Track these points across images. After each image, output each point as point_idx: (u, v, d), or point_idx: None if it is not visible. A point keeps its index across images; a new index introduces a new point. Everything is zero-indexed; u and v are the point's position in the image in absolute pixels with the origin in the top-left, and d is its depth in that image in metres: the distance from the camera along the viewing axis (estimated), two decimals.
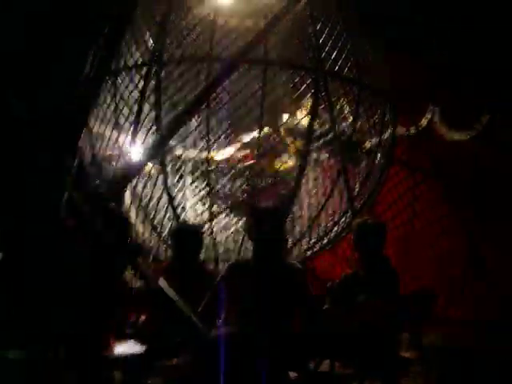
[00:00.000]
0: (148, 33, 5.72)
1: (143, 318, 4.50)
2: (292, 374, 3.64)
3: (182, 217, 5.82)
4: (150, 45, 5.69)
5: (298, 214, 5.90)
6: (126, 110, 5.71)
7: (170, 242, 5.34)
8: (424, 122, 7.17)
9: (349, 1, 6.06)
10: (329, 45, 5.62)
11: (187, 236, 4.63)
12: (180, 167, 6.12)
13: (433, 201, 7.33)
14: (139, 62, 5.70)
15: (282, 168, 5.93)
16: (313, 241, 6.08)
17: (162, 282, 3.30)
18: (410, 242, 7.27)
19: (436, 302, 4.41)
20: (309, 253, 6.18)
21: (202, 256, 5.39)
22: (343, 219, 6.02)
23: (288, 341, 3.56)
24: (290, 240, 5.86)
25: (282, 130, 5.98)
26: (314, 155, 5.80)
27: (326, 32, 5.63)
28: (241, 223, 5.94)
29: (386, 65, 6.18)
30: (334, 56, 5.61)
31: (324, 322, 3.93)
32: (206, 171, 5.75)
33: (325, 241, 6.17)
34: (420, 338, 4.69)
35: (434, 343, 4.90)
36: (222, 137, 5.92)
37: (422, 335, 4.85)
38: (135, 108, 5.64)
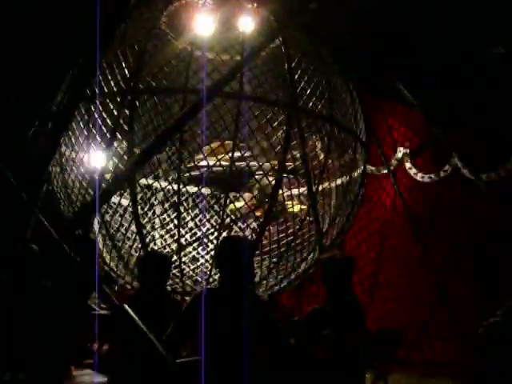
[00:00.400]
0: (124, 62, 5.73)
1: (106, 346, 4.43)
2: None
3: (150, 247, 5.78)
4: (125, 73, 5.71)
5: (266, 249, 5.89)
6: (98, 138, 5.71)
7: (136, 271, 5.29)
8: (394, 162, 7.29)
9: (325, 40, 6.19)
10: (303, 82, 5.71)
11: (154, 264, 4.59)
12: (150, 197, 6.12)
13: (402, 242, 7.40)
14: (114, 90, 5.71)
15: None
16: (280, 276, 6.07)
17: (127, 310, 3.25)
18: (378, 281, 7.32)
19: (402, 341, 4.42)
20: (276, 288, 6.16)
21: (168, 286, 5.36)
22: (311, 255, 6.03)
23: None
24: (257, 275, 5.85)
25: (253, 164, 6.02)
26: (285, 190, 5.83)
27: (300, 69, 5.73)
28: (209, 255, 5.93)
29: (359, 104, 6.30)
30: (307, 93, 5.70)
31: (290, 357, 3.90)
32: (176, 202, 5.73)
33: (292, 276, 6.16)
34: (385, 377, 4.69)
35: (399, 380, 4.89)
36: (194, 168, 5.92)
37: (387, 374, 4.85)
38: (108, 136, 5.64)
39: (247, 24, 5.83)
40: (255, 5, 5.99)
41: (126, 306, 3.10)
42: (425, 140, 7.10)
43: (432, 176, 7.11)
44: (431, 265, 6.86)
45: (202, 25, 5.77)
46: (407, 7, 6.14)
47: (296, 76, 5.70)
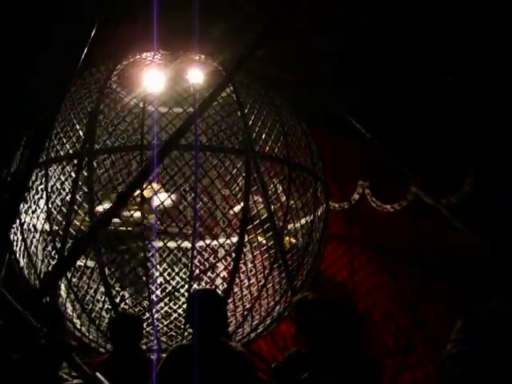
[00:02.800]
0: (78, 124, 5.74)
1: None
2: None
3: (120, 307, 5.70)
4: (80, 135, 5.70)
5: (238, 297, 5.85)
6: (58, 202, 5.66)
7: (109, 333, 5.20)
8: (356, 196, 7.37)
9: (274, 83, 6.30)
10: (257, 127, 5.77)
11: (126, 326, 4.53)
12: (116, 257, 6.04)
13: (371, 273, 7.44)
14: (70, 153, 5.69)
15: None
16: (256, 322, 6.02)
17: (100, 378, 3.18)
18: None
19: (380, 377, 4.40)
20: (252, 335, 6.10)
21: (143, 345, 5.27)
22: (284, 298, 6.01)
23: None
24: (232, 322, 5.80)
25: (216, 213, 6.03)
26: (252, 237, 5.83)
27: (253, 115, 5.80)
28: (181, 309, 5.86)
29: (314, 142, 6.38)
30: (263, 137, 5.76)
31: None
32: (144, 259, 5.68)
33: (267, 321, 6.12)
34: None
35: None
36: (157, 224, 5.89)
37: None
38: (68, 199, 5.60)
39: (197, 76, 5.92)
40: (202, 57, 6.09)
41: (98, 375, 3.03)
42: (383, 171, 7.20)
43: (395, 206, 7.21)
44: (404, 292, 6.91)
45: (153, 80, 5.84)
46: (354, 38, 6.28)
47: (250, 122, 5.76)
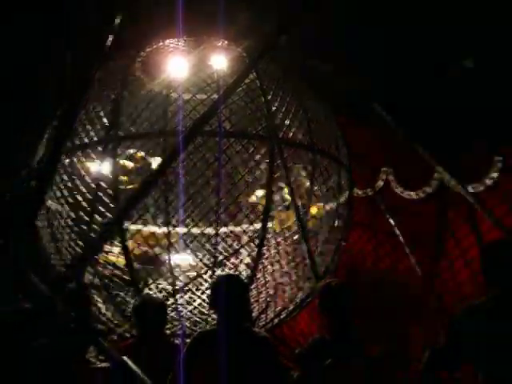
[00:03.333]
0: (102, 111, 5.77)
1: None
2: None
3: (144, 292, 5.75)
4: (105, 122, 5.74)
5: (262, 282, 5.87)
6: (83, 188, 5.72)
7: (133, 318, 5.25)
8: (380, 183, 7.32)
9: (299, 67, 6.27)
10: (281, 113, 5.76)
11: (151, 310, 4.56)
12: (140, 242, 6.09)
13: (396, 260, 7.40)
14: (95, 140, 5.74)
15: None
16: (279, 308, 6.04)
17: (127, 361, 3.22)
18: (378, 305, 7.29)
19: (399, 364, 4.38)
20: (275, 321, 6.13)
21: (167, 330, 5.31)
22: (307, 284, 6.02)
23: None
24: (255, 308, 5.83)
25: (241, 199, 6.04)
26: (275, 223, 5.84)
27: (277, 101, 5.78)
28: (205, 295, 5.89)
29: (339, 129, 6.35)
30: (286, 123, 5.74)
31: None
32: (167, 245, 5.72)
33: (291, 307, 6.13)
34: None
35: None
36: (181, 210, 5.92)
37: None
38: (93, 185, 5.65)
39: (220, 62, 5.91)
40: (226, 43, 6.08)
41: (125, 358, 3.07)
42: (408, 157, 7.14)
43: (419, 193, 7.15)
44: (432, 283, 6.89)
45: (176, 67, 5.85)
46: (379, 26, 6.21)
47: (273, 108, 5.74)
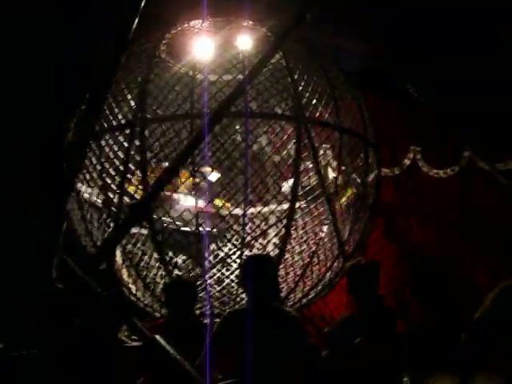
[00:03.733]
0: (129, 94, 5.80)
1: (141, 379, 4.43)
2: None
3: (174, 273, 5.81)
4: (131, 105, 5.77)
5: (290, 262, 5.89)
6: (112, 171, 5.78)
7: (164, 298, 5.31)
8: (407, 161, 7.26)
9: (325, 46, 6.22)
10: (307, 92, 5.73)
11: (180, 290, 4.61)
12: (169, 223, 6.14)
13: (425, 239, 7.35)
14: (122, 123, 5.78)
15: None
16: (307, 288, 6.06)
17: (159, 340, 3.26)
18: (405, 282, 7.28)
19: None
20: (304, 300, 6.15)
21: (197, 310, 5.37)
22: (336, 264, 6.02)
23: None
24: (284, 288, 5.85)
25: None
26: (303, 203, 5.83)
27: (303, 80, 5.75)
28: (233, 275, 5.93)
29: (365, 108, 6.29)
30: (313, 103, 5.72)
31: (323, 370, 3.88)
32: (195, 225, 5.75)
33: (319, 287, 6.15)
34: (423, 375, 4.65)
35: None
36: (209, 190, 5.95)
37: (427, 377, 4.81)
38: (121, 168, 5.70)
39: (245, 42, 5.88)
40: (251, 23, 6.04)
41: (157, 337, 3.11)
42: (436, 135, 7.06)
43: (447, 171, 7.08)
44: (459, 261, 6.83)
45: (201, 48, 5.84)
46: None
47: (300, 88, 5.72)
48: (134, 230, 5.72)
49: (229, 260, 6.11)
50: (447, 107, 6.39)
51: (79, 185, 5.90)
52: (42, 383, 3.86)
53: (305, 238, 5.86)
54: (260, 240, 6.17)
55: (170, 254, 5.96)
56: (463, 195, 7.07)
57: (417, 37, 6.32)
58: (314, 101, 5.73)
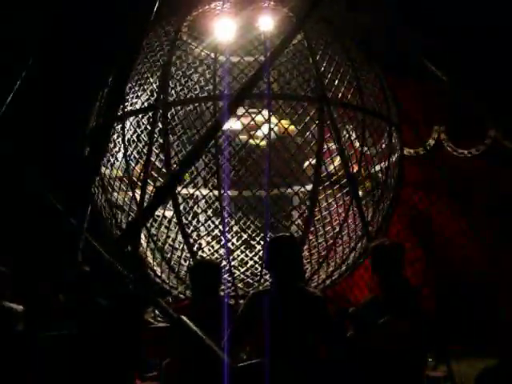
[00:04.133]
0: (151, 77, 5.81)
1: (167, 360, 4.50)
2: None
3: (198, 255, 5.85)
4: (154, 88, 5.79)
5: (314, 244, 5.89)
6: (135, 153, 5.81)
7: (188, 280, 5.36)
8: (431, 141, 7.19)
9: (347, 28, 6.16)
10: (330, 73, 5.69)
11: (205, 272, 4.65)
12: (192, 206, 6.18)
13: (449, 218, 7.30)
14: (145, 106, 5.80)
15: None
16: (331, 269, 6.06)
17: (185, 321, 3.30)
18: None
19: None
20: (328, 281, 6.16)
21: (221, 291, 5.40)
22: (359, 245, 6.01)
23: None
24: (308, 269, 5.86)
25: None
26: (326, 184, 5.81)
27: (325, 61, 5.72)
28: (257, 256, 5.96)
29: (388, 88, 6.24)
30: (335, 84, 5.68)
31: (348, 349, 3.90)
32: (218, 208, 5.77)
33: (343, 268, 6.15)
34: (447, 355, 4.65)
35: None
36: (232, 173, 5.96)
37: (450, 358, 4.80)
38: (144, 150, 5.74)
39: (267, 23, 5.85)
40: (272, 3, 6.01)
41: (184, 317, 3.15)
42: (460, 115, 6.98)
43: (472, 150, 7.00)
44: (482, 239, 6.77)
45: (223, 30, 5.82)
46: None
47: (322, 68, 5.68)
48: (158, 213, 5.75)
49: (252, 242, 6.14)
50: (471, 85, 6.30)
51: (103, 168, 5.94)
52: (68, 364, 3.94)
53: (328, 219, 5.85)
54: (284, 221, 6.18)
55: (194, 236, 5.99)
56: (489, 175, 6.99)
57: (438, 10, 6.22)
58: (337, 81, 5.69)
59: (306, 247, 5.73)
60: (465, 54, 6.38)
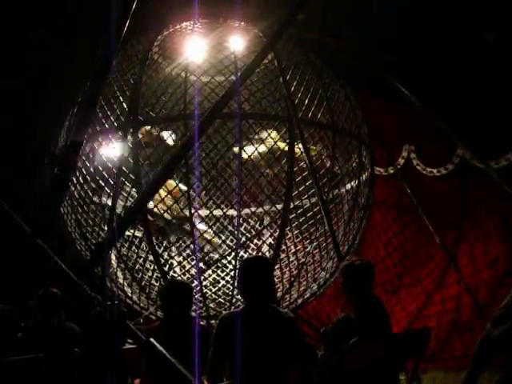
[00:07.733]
0: (121, 96, 5.79)
1: (137, 381, 4.43)
2: None
3: (169, 275, 5.80)
4: (124, 107, 5.76)
5: (285, 263, 5.89)
6: (105, 174, 5.76)
7: (159, 301, 5.30)
8: (401, 160, 7.25)
9: (317, 48, 6.22)
10: (300, 92, 5.73)
11: (176, 293, 4.60)
12: (163, 226, 6.13)
13: (421, 239, 7.32)
14: (115, 125, 5.76)
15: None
16: (302, 288, 6.06)
17: (154, 343, 3.25)
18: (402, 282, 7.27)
19: (429, 338, 4.36)
20: (299, 301, 6.15)
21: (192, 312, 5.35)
22: (330, 264, 6.03)
23: None
24: (279, 289, 5.85)
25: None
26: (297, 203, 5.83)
27: (295, 80, 5.76)
28: (229, 277, 5.93)
29: (359, 107, 6.30)
30: (306, 103, 5.72)
31: (321, 371, 3.88)
32: (189, 228, 5.74)
33: (314, 287, 6.15)
34: (418, 375, 4.65)
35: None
36: (203, 193, 5.95)
37: (422, 374, 4.80)
38: (114, 170, 5.69)
39: (238, 43, 5.89)
40: (243, 24, 6.05)
41: (152, 340, 3.10)
42: (428, 136, 7.03)
43: (441, 170, 7.06)
44: (454, 259, 6.83)
45: (194, 50, 5.83)
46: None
47: (292, 88, 5.72)
48: (128, 233, 5.70)
49: (224, 261, 6.11)
50: (439, 105, 6.38)
51: (73, 188, 5.88)
52: None
53: (299, 238, 5.86)
54: (255, 241, 6.17)
55: (165, 256, 5.95)
56: (456, 194, 7.04)
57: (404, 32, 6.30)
58: (307, 101, 5.73)
59: (277, 266, 5.73)
60: (432, 74, 6.46)
